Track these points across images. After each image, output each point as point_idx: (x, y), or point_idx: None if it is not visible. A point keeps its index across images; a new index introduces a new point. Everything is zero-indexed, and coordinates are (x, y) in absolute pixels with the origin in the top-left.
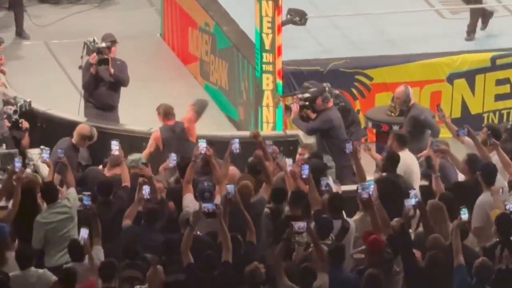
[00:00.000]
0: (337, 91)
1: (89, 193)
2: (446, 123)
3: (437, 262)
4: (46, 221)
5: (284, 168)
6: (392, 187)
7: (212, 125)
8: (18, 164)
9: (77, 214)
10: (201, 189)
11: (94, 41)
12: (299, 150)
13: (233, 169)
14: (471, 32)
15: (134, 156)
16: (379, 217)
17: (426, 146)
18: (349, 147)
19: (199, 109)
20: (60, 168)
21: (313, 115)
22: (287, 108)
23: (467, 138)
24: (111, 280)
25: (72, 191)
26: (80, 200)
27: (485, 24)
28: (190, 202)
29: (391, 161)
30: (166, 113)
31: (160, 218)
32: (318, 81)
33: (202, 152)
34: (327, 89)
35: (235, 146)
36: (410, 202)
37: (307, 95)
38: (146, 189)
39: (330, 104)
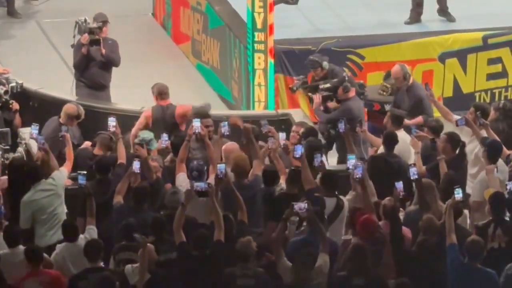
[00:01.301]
0: (361, 81)
1: (84, 172)
2: (434, 102)
3: (427, 248)
4: (32, 200)
5: (274, 154)
6: (384, 166)
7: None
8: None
9: (73, 193)
10: (190, 167)
11: (85, 21)
12: (294, 127)
13: (232, 144)
14: (445, 13)
15: (145, 135)
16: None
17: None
18: (341, 126)
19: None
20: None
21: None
22: (310, 99)
23: (456, 117)
24: (97, 260)
25: (56, 172)
26: (75, 179)
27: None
28: (183, 181)
29: (389, 141)
30: (159, 92)
31: (148, 197)
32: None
33: (196, 131)
34: (347, 78)
35: (225, 128)
36: (400, 184)
37: (328, 85)
38: (136, 164)
39: (352, 94)
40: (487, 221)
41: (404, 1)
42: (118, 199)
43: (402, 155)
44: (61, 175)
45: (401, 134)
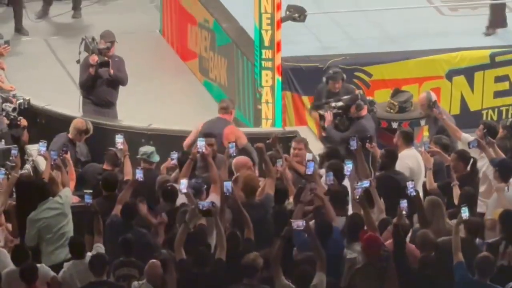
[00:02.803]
0: (370, 98)
1: (90, 191)
2: (443, 119)
3: (427, 264)
4: (38, 218)
5: (284, 175)
6: (391, 184)
7: None
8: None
9: (80, 211)
10: (188, 185)
11: (93, 40)
12: (293, 144)
13: (243, 158)
14: (490, 27)
15: (146, 148)
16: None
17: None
18: (353, 143)
19: None
20: (56, 168)
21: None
22: (321, 117)
23: (464, 135)
24: (102, 274)
25: (66, 189)
26: (82, 196)
27: None
28: (183, 200)
29: (389, 158)
30: (219, 106)
31: (136, 214)
32: (316, 77)
33: (200, 150)
34: (359, 96)
35: (232, 150)
36: (404, 203)
37: (340, 103)
38: (139, 173)
39: (364, 112)
40: (498, 238)
41: (411, 18)
42: (117, 210)
43: (414, 172)
44: (69, 194)
45: (412, 151)
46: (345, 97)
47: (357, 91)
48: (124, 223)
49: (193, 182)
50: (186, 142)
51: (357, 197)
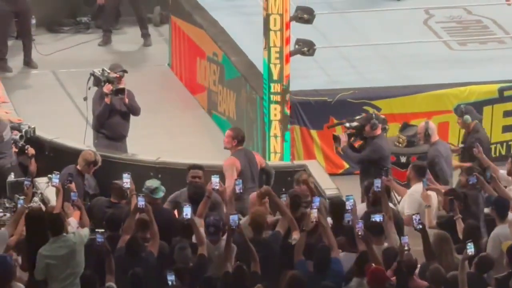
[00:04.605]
0: (382, 116)
1: (102, 230)
2: (483, 159)
3: None
4: (48, 254)
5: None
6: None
7: (220, 155)
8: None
9: (91, 249)
10: (206, 223)
11: (103, 70)
12: (304, 176)
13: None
14: None
15: (150, 183)
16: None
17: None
18: (377, 184)
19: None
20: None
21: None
22: (336, 139)
23: (501, 171)
24: None
25: (85, 230)
26: (93, 231)
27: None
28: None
29: (374, 196)
30: (239, 139)
31: (141, 248)
32: (324, 111)
33: (215, 187)
34: (374, 115)
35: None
36: (405, 239)
37: (355, 123)
38: (141, 201)
39: (379, 131)
40: (507, 273)
41: (420, 52)
42: (123, 241)
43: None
44: (87, 234)
45: (422, 185)
46: (359, 117)
47: (371, 111)
48: (130, 258)
49: (211, 219)
50: (228, 185)
51: (360, 233)
